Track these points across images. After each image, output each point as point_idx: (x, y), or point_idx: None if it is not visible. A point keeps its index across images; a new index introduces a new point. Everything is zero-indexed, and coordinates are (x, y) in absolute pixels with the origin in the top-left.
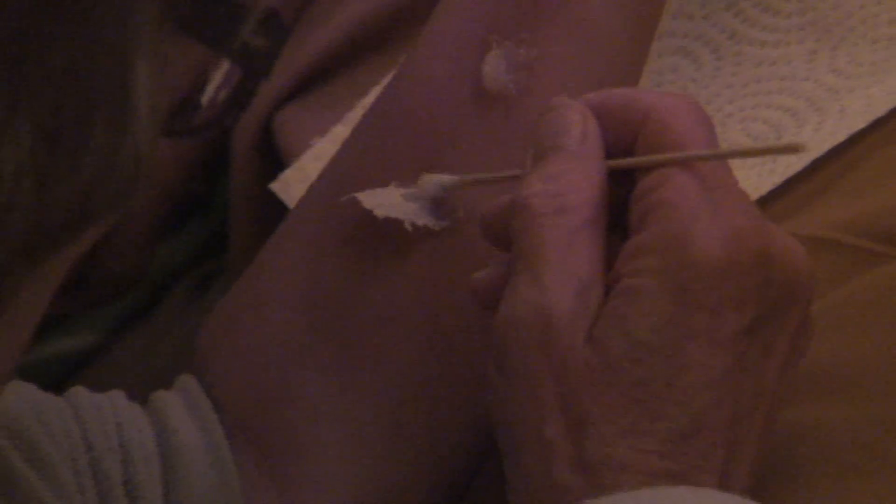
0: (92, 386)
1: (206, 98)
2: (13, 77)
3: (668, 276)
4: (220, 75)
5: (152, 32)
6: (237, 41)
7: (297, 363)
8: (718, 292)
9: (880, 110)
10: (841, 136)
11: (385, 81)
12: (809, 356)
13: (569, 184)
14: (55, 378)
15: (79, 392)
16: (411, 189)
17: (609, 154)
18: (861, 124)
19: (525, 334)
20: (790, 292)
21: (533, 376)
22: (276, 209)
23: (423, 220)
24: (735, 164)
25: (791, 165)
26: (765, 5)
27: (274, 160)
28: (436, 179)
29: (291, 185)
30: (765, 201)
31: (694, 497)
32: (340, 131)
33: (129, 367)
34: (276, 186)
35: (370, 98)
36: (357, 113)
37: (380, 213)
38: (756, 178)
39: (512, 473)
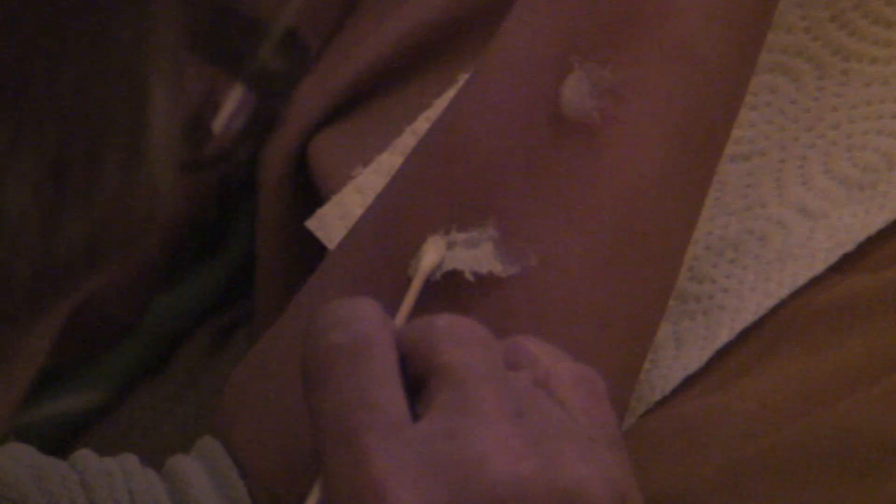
0: (99, 450)
1: (217, 126)
2: (17, 106)
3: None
4: (234, 101)
5: (171, 54)
6: (253, 63)
7: None
8: None
9: None
10: None
11: (438, 104)
12: None
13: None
14: (56, 441)
15: (85, 456)
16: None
17: None
18: None
19: None
20: None
21: None
22: (311, 249)
23: (487, 266)
24: (839, 197)
25: None
26: (875, 16)
27: (309, 193)
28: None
29: (330, 223)
30: (872, 242)
31: None
32: (386, 160)
33: (139, 429)
34: (312, 224)
35: (421, 123)
36: (406, 140)
37: (437, 273)
38: (864, 214)
39: None
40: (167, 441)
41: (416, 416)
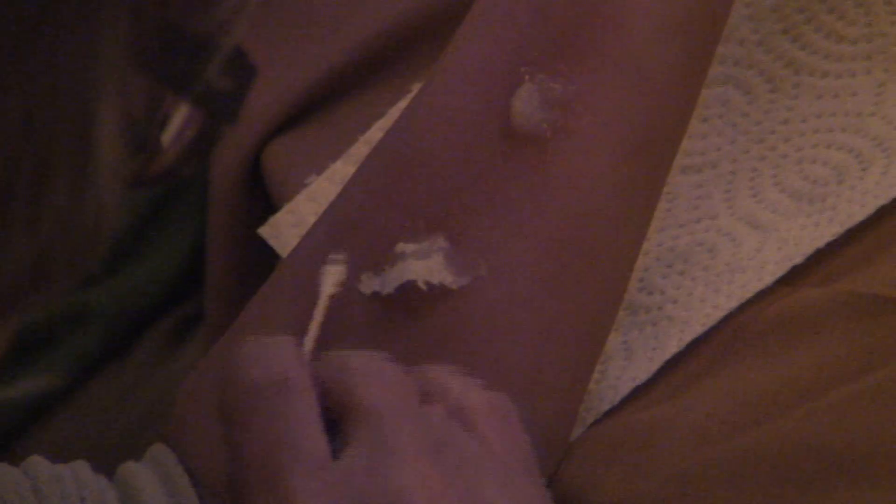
0: (51, 440)
1: (166, 140)
2: None
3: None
4: (181, 116)
5: (118, 74)
6: (201, 82)
7: None
8: None
9: None
10: None
11: (392, 113)
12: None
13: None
14: (8, 427)
15: (37, 462)
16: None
17: None
18: None
19: None
20: None
21: None
22: (262, 255)
23: (439, 277)
24: (789, 210)
25: (853, 214)
26: (827, 30)
27: (261, 199)
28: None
29: (283, 230)
30: (822, 255)
31: None
32: (339, 169)
33: (98, 417)
34: (265, 231)
35: (374, 132)
36: (359, 149)
37: (386, 287)
38: (813, 227)
39: None
40: (119, 436)
41: (334, 453)
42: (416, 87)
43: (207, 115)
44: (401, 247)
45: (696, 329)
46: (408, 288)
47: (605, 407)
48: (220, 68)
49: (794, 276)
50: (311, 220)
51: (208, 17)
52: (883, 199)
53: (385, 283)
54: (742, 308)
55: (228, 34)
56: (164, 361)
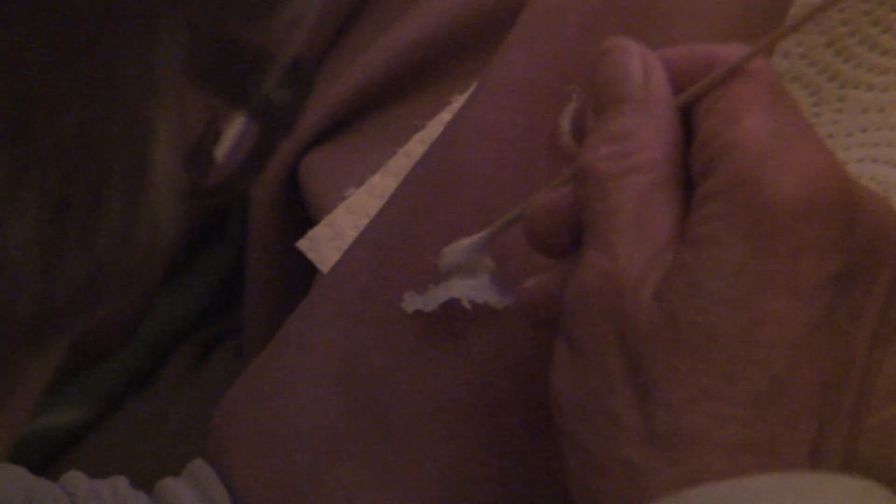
0: (86, 467)
1: (220, 154)
2: (19, 143)
3: (738, 219)
4: (237, 129)
5: (175, 89)
6: (258, 95)
7: (330, 452)
8: (796, 236)
9: None
10: None
11: (431, 125)
12: None
13: (637, 141)
14: (44, 457)
15: (75, 478)
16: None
17: None
18: None
19: (593, 302)
20: (876, 248)
21: (599, 345)
22: (301, 267)
23: (484, 296)
24: None
25: None
26: (872, 42)
27: (299, 211)
28: (459, 248)
29: (321, 243)
30: None
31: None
32: (378, 182)
33: (126, 445)
34: (303, 244)
35: (414, 144)
36: (399, 162)
37: (430, 306)
38: None
39: (572, 456)
40: (154, 456)
41: None
42: (455, 99)
43: (264, 128)
44: (448, 261)
45: None
46: (452, 307)
47: None
48: (277, 81)
49: None
50: (350, 233)
51: (266, 29)
52: None
53: (429, 301)
54: None
55: (286, 46)
56: (191, 380)
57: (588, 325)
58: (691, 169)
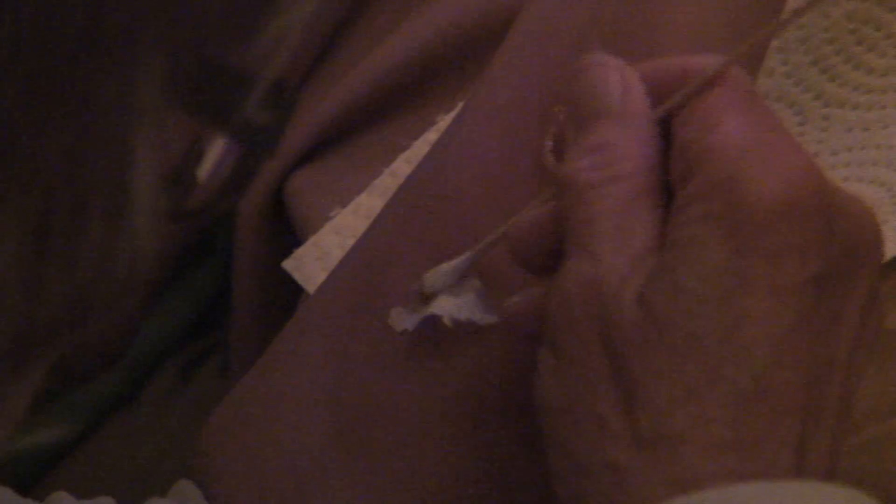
0: (70, 485)
1: (202, 175)
2: (1, 167)
3: (718, 221)
4: (218, 151)
5: (155, 112)
6: (240, 116)
7: (318, 473)
8: (776, 237)
9: None
10: None
11: (417, 145)
12: None
13: (617, 152)
14: (28, 475)
15: (61, 498)
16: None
17: None
18: None
19: (576, 307)
20: (855, 251)
21: (582, 349)
22: (286, 287)
23: (469, 314)
24: None
25: (887, 250)
26: (857, 62)
27: (285, 231)
28: (441, 272)
29: (307, 263)
30: None
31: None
32: (364, 202)
33: (111, 462)
34: (289, 264)
35: (399, 164)
36: (384, 181)
37: (414, 324)
38: None
39: (559, 462)
40: (139, 473)
41: None
42: (441, 119)
43: (245, 148)
44: (432, 283)
45: None
46: (439, 325)
47: None
48: (258, 102)
49: None
50: (336, 253)
51: (246, 51)
52: None
53: (414, 319)
54: None
55: (267, 68)
56: (176, 397)
57: (571, 330)
58: (671, 179)
